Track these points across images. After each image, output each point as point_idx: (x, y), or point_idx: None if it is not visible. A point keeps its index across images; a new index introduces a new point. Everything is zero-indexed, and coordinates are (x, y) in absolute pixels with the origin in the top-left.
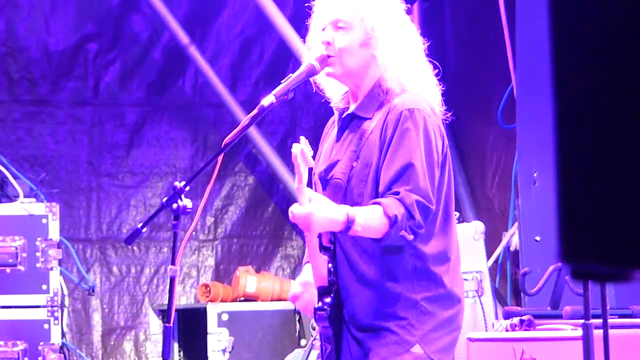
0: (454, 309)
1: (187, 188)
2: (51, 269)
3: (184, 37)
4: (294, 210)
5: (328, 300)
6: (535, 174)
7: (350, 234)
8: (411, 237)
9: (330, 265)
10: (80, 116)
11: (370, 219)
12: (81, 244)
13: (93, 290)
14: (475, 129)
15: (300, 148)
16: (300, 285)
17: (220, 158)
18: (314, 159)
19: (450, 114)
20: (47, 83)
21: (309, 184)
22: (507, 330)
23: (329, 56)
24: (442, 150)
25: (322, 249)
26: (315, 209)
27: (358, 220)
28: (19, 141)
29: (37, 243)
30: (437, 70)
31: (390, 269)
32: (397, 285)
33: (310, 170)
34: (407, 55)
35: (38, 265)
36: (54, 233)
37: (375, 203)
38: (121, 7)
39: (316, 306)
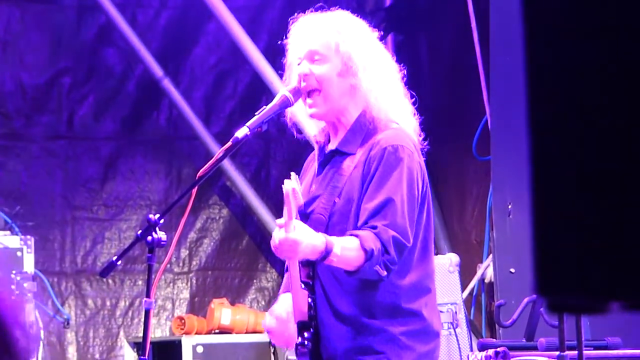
0: (431, 343)
1: (162, 221)
2: (26, 302)
3: (157, 70)
4: (281, 235)
5: (307, 335)
6: (509, 206)
7: (326, 263)
8: (384, 272)
9: (310, 300)
10: (55, 150)
11: (346, 250)
12: (56, 277)
13: (68, 323)
14: (455, 161)
15: (292, 186)
16: (275, 318)
17: (194, 190)
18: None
19: (426, 143)
20: (21, 117)
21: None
22: None
23: (310, 91)
24: (423, 187)
25: (303, 283)
26: (301, 237)
27: (335, 250)
28: None
29: (12, 276)
30: (413, 99)
31: (368, 304)
32: (375, 320)
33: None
34: (386, 82)
35: (13, 298)
36: (29, 266)
37: (352, 235)
38: (95, 40)
39: (297, 341)
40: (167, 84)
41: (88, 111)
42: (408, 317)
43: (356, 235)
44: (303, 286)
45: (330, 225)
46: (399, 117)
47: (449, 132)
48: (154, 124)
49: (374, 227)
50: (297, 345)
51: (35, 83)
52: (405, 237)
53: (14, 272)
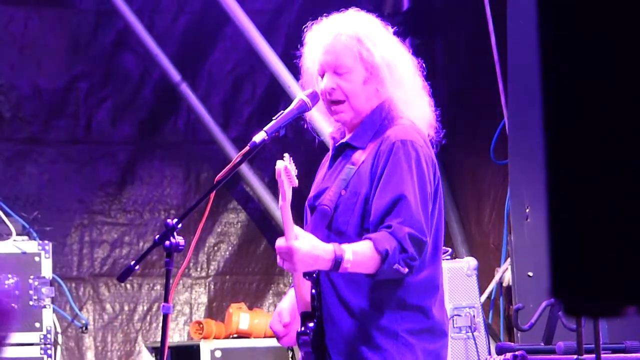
0: (438, 342)
1: (180, 225)
2: (44, 306)
3: (175, 75)
4: (279, 243)
5: (311, 325)
6: (527, 210)
7: (341, 271)
8: (406, 270)
9: (313, 291)
10: (72, 154)
11: (360, 255)
12: (74, 282)
13: (86, 328)
14: (472, 165)
15: (284, 164)
16: (281, 323)
17: (212, 195)
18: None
19: (444, 139)
20: (38, 122)
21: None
22: None
23: (337, 102)
24: (434, 181)
25: (305, 274)
26: (300, 247)
27: (347, 257)
28: (11, 179)
29: (30, 281)
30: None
31: (377, 299)
32: (381, 316)
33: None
34: (407, 84)
35: (31, 303)
36: (47, 271)
37: (366, 239)
38: (113, 45)
39: (299, 330)
40: (185, 89)
41: (105, 116)
42: (415, 313)
43: (369, 238)
44: (307, 277)
45: (335, 217)
46: (414, 111)
47: (466, 136)
48: (171, 129)
49: (389, 227)
50: (298, 334)
51: (53, 87)
52: (421, 233)
53: (31, 277)
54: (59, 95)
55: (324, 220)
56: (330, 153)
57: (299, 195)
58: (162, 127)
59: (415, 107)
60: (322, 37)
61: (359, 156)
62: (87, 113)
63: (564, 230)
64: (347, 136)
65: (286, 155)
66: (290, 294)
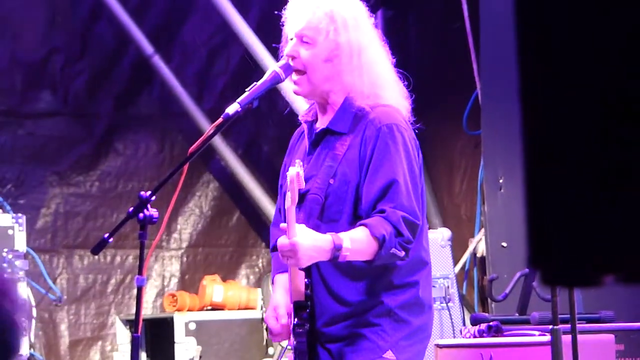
0: (424, 315)
1: (154, 197)
2: (18, 280)
3: (148, 47)
4: (282, 242)
5: (304, 315)
6: (501, 180)
7: (340, 260)
8: (402, 253)
9: (306, 280)
10: (47, 127)
11: (357, 242)
12: (48, 254)
13: (60, 301)
14: (444, 136)
15: (297, 171)
16: (278, 322)
17: (185, 167)
18: (284, 172)
19: (419, 123)
20: (15, 94)
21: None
22: (474, 337)
23: (296, 70)
24: (419, 162)
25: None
26: (302, 242)
27: (345, 246)
28: None
29: (4, 254)
30: (401, 73)
31: (368, 283)
32: (372, 296)
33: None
34: (372, 72)
35: (5, 276)
36: (21, 244)
37: (361, 224)
38: (89, 18)
39: (294, 322)
40: (158, 61)
41: (81, 88)
42: (405, 289)
43: (364, 224)
44: (300, 267)
45: (326, 207)
46: (388, 95)
47: (438, 107)
48: (146, 101)
49: (382, 211)
50: (295, 326)
51: (29, 60)
52: (414, 216)
53: (5, 250)
54: (36, 67)
55: (315, 209)
56: (305, 134)
57: (272, 170)
58: (136, 99)
59: (389, 93)
60: (299, 4)
61: (343, 142)
62: (63, 85)
63: (540, 200)
64: (323, 121)
65: (298, 160)
66: (280, 282)
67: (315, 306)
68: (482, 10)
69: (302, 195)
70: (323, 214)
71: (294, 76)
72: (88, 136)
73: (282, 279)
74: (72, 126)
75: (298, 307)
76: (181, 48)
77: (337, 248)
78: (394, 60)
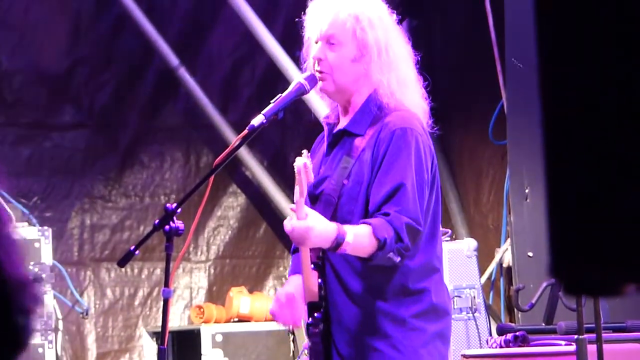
0: (441, 322)
1: (179, 209)
2: (45, 292)
3: (173, 59)
4: (293, 223)
5: (318, 315)
6: (527, 190)
7: (339, 252)
8: (398, 259)
9: (320, 280)
10: (73, 139)
11: (359, 238)
12: (74, 267)
13: (87, 313)
14: (471, 146)
15: (304, 161)
16: (284, 295)
17: (211, 179)
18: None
19: (436, 128)
20: (41, 106)
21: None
22: (500, 347)
23: (321, 72)
24: (432, 169)
25: (312, 264)
26: (313, 224)
27: (347, 239)
28: (11, 165)
29: (30, 267)
30: (427, 83)
31: (378, 286)
32: (385, 303)
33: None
34: (399, 70)
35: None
36: (47, 257)
37: (364, 223)
38: (113, 29)
39: (308, 322)
40: (183, 73)
41: (106, 100)
42: (417, 296)
43: (368, 223)
44: (313, 267)
45: (339, 207)
46: (408, 101)
47: (464, 117)
48: (171, 113)
49: (387, 214)
50: (308, 325)
51: (54, 72)
52: (418, 223)
53: (32, 263)
54: (61, 79)
55: (328, 209)
56: (325, 136)
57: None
58: (162, 111)
59: (409, 94)
60: (322, 7)
61: (359, 143)
62: (88, 97)
63: (563, 210)
64: (343, 121)
65: (305, 151)
66: (292, 281)
67: (330, 307)
68: (507, 20)
69: (317, 196)
70: (336, 214)
71: (318, 75)
72: (113, 148)
73: (295, 278)
74: (97, 138)
75: (312, 308)
76: (206, 59)
77: (339, 239)
78: (420, 68)
